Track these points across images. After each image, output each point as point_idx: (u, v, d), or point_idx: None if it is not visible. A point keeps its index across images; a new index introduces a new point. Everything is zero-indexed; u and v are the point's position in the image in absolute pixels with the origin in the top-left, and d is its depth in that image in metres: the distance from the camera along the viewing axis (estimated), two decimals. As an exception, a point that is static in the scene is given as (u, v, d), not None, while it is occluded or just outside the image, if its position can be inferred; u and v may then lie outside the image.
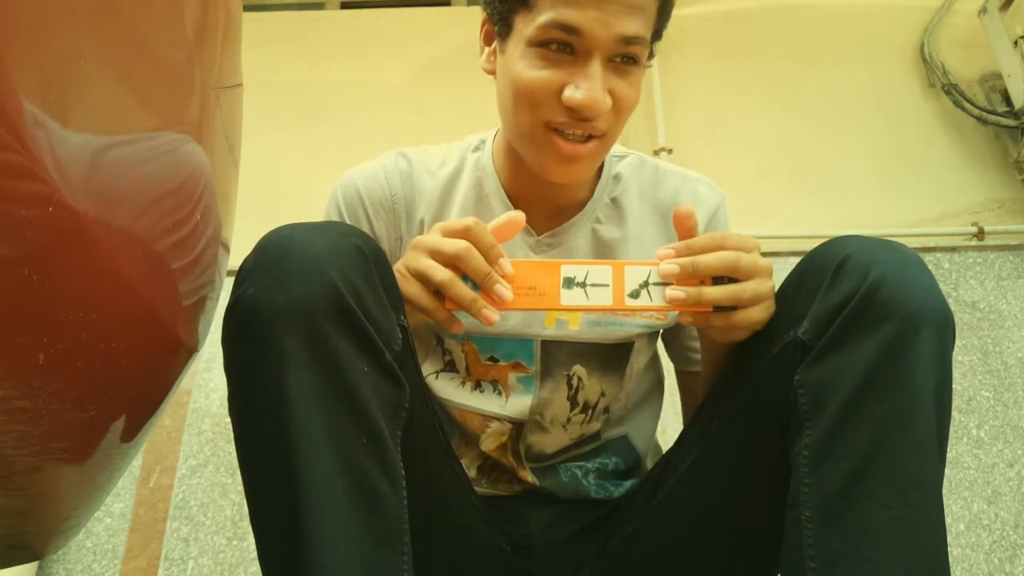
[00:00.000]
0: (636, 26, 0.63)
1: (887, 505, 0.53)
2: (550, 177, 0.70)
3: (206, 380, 1.78)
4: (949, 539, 1.55)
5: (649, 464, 0.89)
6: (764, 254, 0.63)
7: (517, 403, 0.81)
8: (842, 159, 2.15)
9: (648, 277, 0.61)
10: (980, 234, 1.98)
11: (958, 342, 1.78)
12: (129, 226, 0.48)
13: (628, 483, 0.86)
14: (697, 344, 0.86)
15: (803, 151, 2.17)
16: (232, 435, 0.57)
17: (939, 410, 0.56)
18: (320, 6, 2.59)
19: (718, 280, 0.61)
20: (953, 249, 1.94)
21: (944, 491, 0.55)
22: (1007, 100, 2.14)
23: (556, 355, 0.79)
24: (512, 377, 0.80)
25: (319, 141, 2.20)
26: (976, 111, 2.14)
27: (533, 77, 0.65)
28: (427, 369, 0.84)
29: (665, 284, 0.61)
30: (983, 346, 1.79)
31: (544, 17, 0.63)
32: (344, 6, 2.59)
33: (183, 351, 0.61)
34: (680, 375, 0.91)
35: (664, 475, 0.75)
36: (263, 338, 0.53)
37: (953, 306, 1.82)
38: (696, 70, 2.33)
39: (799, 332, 0.60)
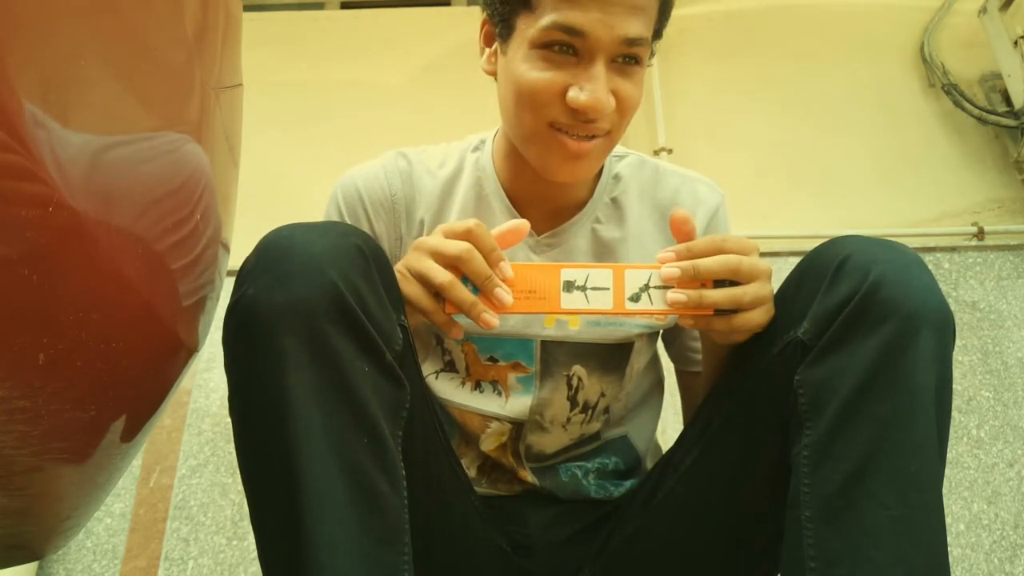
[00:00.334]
0: (638, 27, 0.63)
1: (887, 505, 0.53)
2: (555, 176, 0.69)
3: (206, 380, 1.78)
4: (949, 539, 1.55)
5: (649, 464, 0.89)
6: (764, 254, 0.64)
7: (517, 403, 0.81)
8: (842, 159, 2.15)
9: (648, 280, 0.61)
10: (980, 234, 1.98)
11: (958, 342, 1.78)
12: (129, 226, 0.48)
13: (628, 483, 0.86)
14: (697, 344, 0.86)
15: (803, 151, 2.17)
16: (232, 435, 0.57)
17: (939, 410, 0.56)
18: (320, 6, 2.59)
19: (719, 283, 0.61)
20: (953, 249, 1.94)
21: (944, 491, 0.55)
22: (1007, 100, 2.14)
23: (556, 355, 0.79)
24: (512, 377, 0.80)
25: (319, 141, 2.20)
26: (976, 111, 2.14)
27: (536, 79, 0.65)
28: (427, 369, 0.84)
29: (665, 287, 0.61)
30: (983, 346, 1.79)
31: (547, 19, 0.63)
32: (344, 6, 2.59)
33: (183, 351, 0.61)
34: (680, 375, 0.91)
35: (664, 475, 0.75)
36: (263, 338, 0.53)
37: (953, 306, 1.82)
38: (696, 70, 2.33)
39: (799, 332, 0.60)
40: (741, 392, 0.67)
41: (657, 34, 0.69)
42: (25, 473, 0.50)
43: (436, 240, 0.61)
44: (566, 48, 0.64)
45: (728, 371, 0.71)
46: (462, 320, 0.77)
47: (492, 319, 0.60)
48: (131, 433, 0.60)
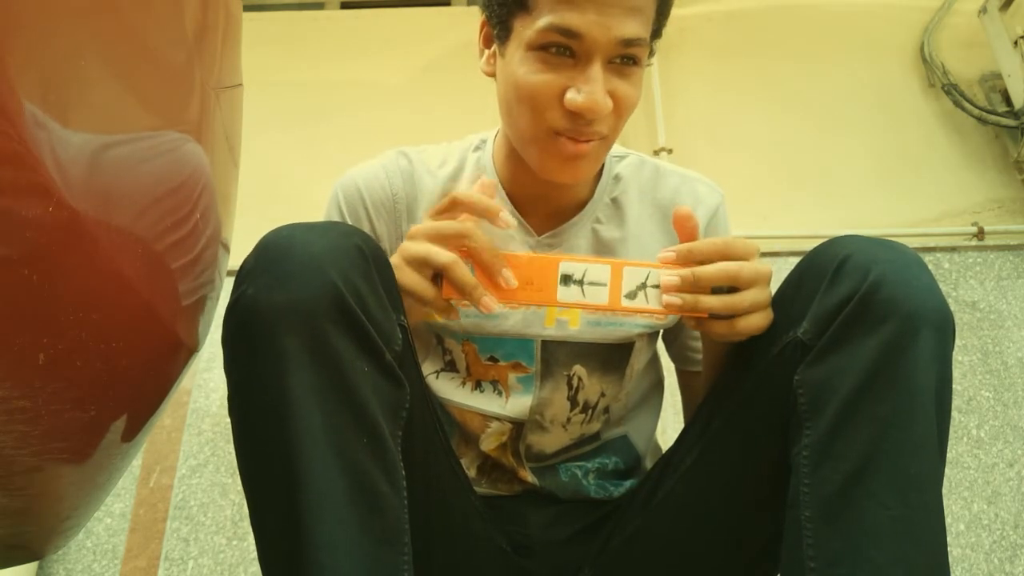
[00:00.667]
0: (635, 28, 0.63)
1: (887, 505, 0.53)
2: (553, 178, 0.69)
3: (206, 380, 1.78)
4: (949, 539, 1.55)
5: (649, 464, 0.89)
6: (764, 254, 0.64)
7: (517, 403, 0.81)
8: (842, 159, 2.15)
9: (646, 279, 0.61)
10: (980, 234, 1.98)
11: (958, 342, 1.78)
12: (129, 226, 0.49)
13: (628, 483, 0.86)
14: (697, 344, 0.87)
15: (803, 151, 2.17)
16: (232, 435, 0.57)
17: (939, 410, 0.56)
18: (320, 6, 2.59)
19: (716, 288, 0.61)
20: (953, 249, 1.94)
21: (944, 491, 0.55)
22: (1007, 100, 2.14)
23: (556, 355, 0.79)
24: (512, 377, 0.80)
25: (319, 141, 2.20)
26: (976, 111, 2.14)
27: (534, 81, 0.65)
28: (427, 369, 0.84)
29: (662, 285, 0.61)
30: (983, 346, 1.79)
31: (543, 21, 0.63)
32: (344, 6, 2.58)
33: (183, 351, 0.61)
34: (680, 375, 0.91)
35: (664, 475, 0.75)
36: (263, 338, 0.53)
37: (953, 306, 1.82)
38: (696, 70, 2.33)
39: (799, 332, 0.60)
40: (741, 392, 0.67)
41: (656, 34, 0.69)
42: (25, 473, 0.50)
43: (432, 223, 0.61)
44: (563, 50, 0.64)
45: (728, 371, 0.71)
46: (462, 321, 0.77)
47: (493, 303, 0.60)
48: (131, 433, 0.60)
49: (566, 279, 0.61)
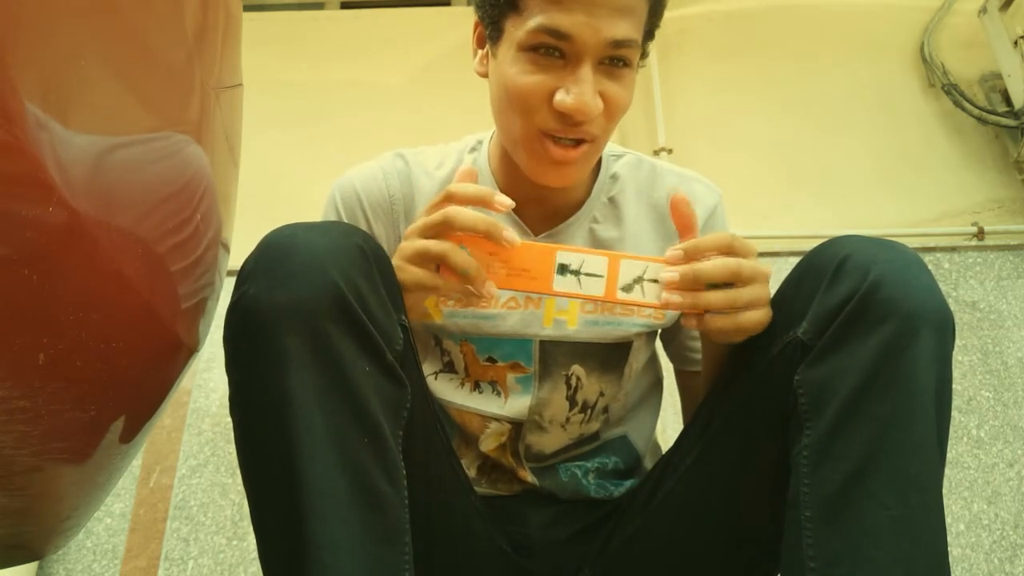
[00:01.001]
0: (626, 29, 0.63)
1: (887, 505, 0.53)
2: (543, 181, 0.70)
3: (206, 380, 1.78)
4: (949, 539, 1.54)
5: (649, 464, 0.89)
6: (763, 254, 0.64)
7: (516, 403, 0.81)
8: (842, 159, 2.15)
9: (643, 273, 0.61)
10: (980, 234, 1.98)
11: (958, 342, 1.77)
12: (129, 226, 0.49)
13: (628, 483, 0.86)
14: (696, 344, 0.87)
15: (803, 151, 2.17)
16: (232, 435, 0.57)
17: (939, 410, 0.56)
18: (320, 6, 2.59)
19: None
20: (953, 249, 1.94)
21: (944, 491, 0.55)
22: (1007, 100, 2.14)
23: (554, 355, 0.79)
24: (511, 378, 0.80)
25: (319, 141, 2.20)
26: (976, 111, 2.14)
27: (524, 82, 0.65)
28: (426, 370, 0.84)
29: (659, 280, 0.61)
30: (983, 346, 1.79)
31: (533, 22, 0.63)
32: (344, 6, 2.59)
33: (183, 351, 0.61)
34: (679, 375, 0.91)
35: (664, 475, 0.75)
36: (265, 338, 0.53)
37: (953, 306, 1.82)
38: (696, 70, 2.33)
39: (799, 332, 0.60)
40: (741, 392, 0.67)
41: (649, 35, 0.69)
42: (25, 473, 0.51)
43: (421, 220, 0.62)
44: (552, 51, 0.64)
45: (728, 371, 0.71)
46: (461, 321, 0.77)
47: (493, 289, 0.60)
48: (131, 433, 0.60)
49: (563, 268, 0.61)
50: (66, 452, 0.52)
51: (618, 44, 0.63)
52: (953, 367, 0.58)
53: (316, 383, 0.53)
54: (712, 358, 0.75)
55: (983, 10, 2.19)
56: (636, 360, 0.83)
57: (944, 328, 0.56)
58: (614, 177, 0.80)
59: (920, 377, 0.55)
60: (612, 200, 0.80)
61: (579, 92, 0.63)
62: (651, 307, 0.61)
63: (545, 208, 0.78)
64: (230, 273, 0.66)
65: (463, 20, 2.47)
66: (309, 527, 0.51)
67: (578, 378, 0.81)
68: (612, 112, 0.66)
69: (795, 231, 2.00)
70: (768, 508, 0.64)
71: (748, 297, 0.61)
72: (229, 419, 0.57)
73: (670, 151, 2.12)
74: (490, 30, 0.69)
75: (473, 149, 0.82)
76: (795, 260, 0.65)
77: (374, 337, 0.56)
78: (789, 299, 0.63)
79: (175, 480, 1.64)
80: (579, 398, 0.81)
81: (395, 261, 0.63)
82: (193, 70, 0.59)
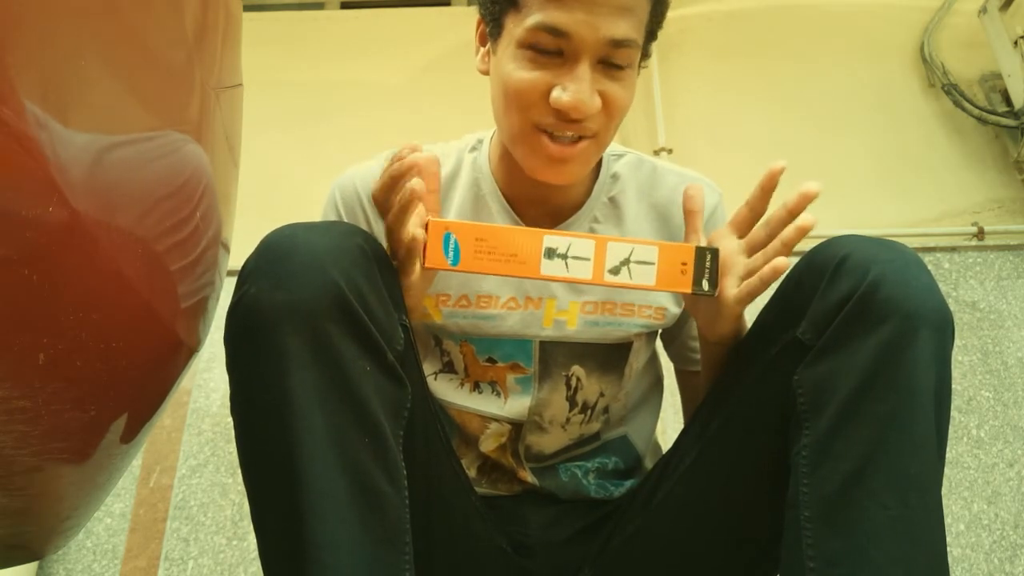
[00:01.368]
0: (625, 28, 0.63)
1: (886, 505, 0.53)
2: (540, 178, 0.70)
3: (206, 380, 1.78)
4: (949, 539, 1.55)
5: (649, 464, 0.89)
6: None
7: (516, 404, 0.81)
8: (842, 159, 2.15)
9: (630, 255, 0.61)
10: (980, 234, 1.98)
11: (958, 342, 1.78)
12: (129, 226, 0.49)
13: (628, 483, 0.86)
14: (697, 343, 0.87)
15: (803, 151, 2.17)
16: (233, 435, 0.57)
17: (938, 410, 0.56)
18: (320, 6, 2.59)
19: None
20: (953, 249, 1.94)
21: (944, 491, 0.55)
22: (1007, 100, 2.14)
23: (554, 356, 0.79)
24: (510, 378, 0.80)
25: (319, 141, 2.19)
26: (976, 111, 2.14)
27: (521, 78, 0.65)
28: (426, 370, 0.84)
29: (647, 263, 0.61)
30: (983, 346, 1.79)
31: (532, 19, 0.63)
32: (344, 6, 2.58)
33: (183, 351, 0.61)
34: (680, 375, 0.91)
35: (664, 475, 0.75)
36: (265, 338, 0.53)
37: (953, 306, 1.82)
38: (696, 70, 2.33)
39: (798, 332, 0.60)
40: (740, 392, 0.67)
41: (651, 35, 0.69)
42: (25, 473, 0.51)
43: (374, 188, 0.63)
44: (551, 48, 0.64)
45: (727, 371, 0.71)
46: (461, 322, 0.77)
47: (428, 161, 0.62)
48: (131, 433, 0.60)
49: (550, 252, 0.61)
50: (66, 452, 0.52)
51: (617, 44, 0.63)
52: (953, 367, 0.58)
53: (317, 383, 0.53)
54: (711, 357, 0.75)
55: (983, 10, 2.19)
56: (636, 360, 0.83)
57: (943, 328, 0.56)
58: (615, 177, 0.80)
59: (919, 377, 0.55)
60: (613, 200, 0.80)
61: (576, 90, 0.63)
62: (637, 288, 0.61)
63: (545, 207, 0.78)
64: (231, 273, 0.65)
65: (463, 20, 2.47)
66: (309, 527, 0.51)
67: (578, 378, 0.81)
68: (611, 112, 0.66)
69: (795, 231, 2.00)
70: (768, 508, 0.64)
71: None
72: (229, 419, 0.57)
73: (670, 151, 2.12)
74: (491, 27, 0.69)
75: (473, 148, 0.82)
76: (795, 260, 0.65)
77: (375, 337, 0.56)
78: (788, 299, 0.63)
79: (175, 480, 1.64)
80: (579, 398, 0.81)
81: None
82: (193, 70, 0.59)
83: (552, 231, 0.62)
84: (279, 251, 0.55)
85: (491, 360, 0.80)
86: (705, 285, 0.64)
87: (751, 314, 0.67)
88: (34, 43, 0.37)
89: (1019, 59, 2.03)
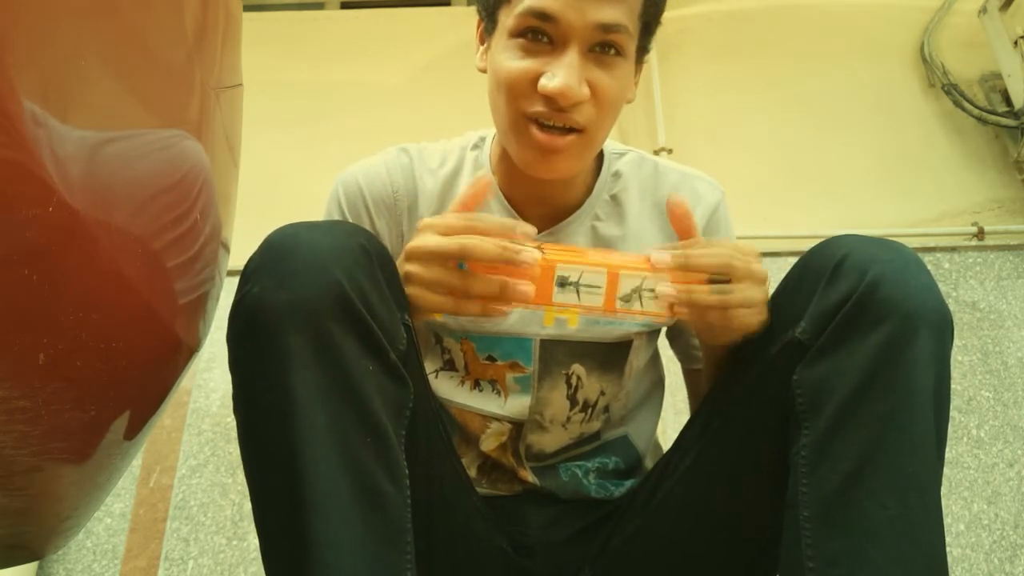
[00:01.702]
0: (615, 14, 0.63)
1: (886, 505, 0.53)
2: (532, 171, 0.69)
3: (206, 380, 1.78)
4: (949, 539, 1.55)
5: (649, 463, 0.89)
6: (764, 254, 0.63)
7: (516, 403, 0.81)
8: (842, 159, 2.15)
9: (641, 284, 0.61)
10: (980, 234, 1.98)
11: (958, 342, 1.78)
12: (129, 226, 0.49)
13: (628, 483, 0.86)
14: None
15: (803, 151, 2.17)
16: (233, 434, 0.57)
17: (938, 410, 0.56)
18: (320, 6, 2.59)
19: (715, 284, 0.61)
20: (953, 249, 1.94)
21: (944, 491, 0.55)
22: (1007, 100, 2.14)
23: (555, 354, 0.79)
24: (509, 377, 0.80)
25: (319, 141, 2.19)
26: (976, 111, 2.14)
27: (511, 67, 0.65)
28: (427, 368, 0.84)
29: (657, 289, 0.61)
30: (983, 346, 1.79)
31: (521, 6, 0.64)
32: (344, 6, 2.59)
33: (183, 351, 0.61)
34: (687, 373, 0.91)
35: (664, 475, 0.75)
36: (268, 337, 0.53)
37: (953, 306, 1.82)
38: (696, 70, 2.33)
39: (797, 332, 0.60)
40: (739, 392, 0.67)
41: (648, 28, 0.69)
42: (25, 473, 0.51)
43: (438, 220, 0.60)
44: (540, 36, 0.64)
45: (727, 371, 0.71)
46: (462, 319, 0.77)
47: (527, 287, 0.59)
48: (131, 433, 0.60)
49: (562, 282, 0.61)
50: (66, 452, 0.52)
51: (607, 28, 0.63)
52: (953, 367, 0.58)
53: (319, 382, 0.53)
54: (711, 358, 0.75)
55: (983, 10, 2.19)
56: (637, 359, 0.83)
57: (943, 328, 0.56)
58: (616, 175, 0.80)
59: (919, 377, 0.55)
60: (615, 198, 0.80)
61: (564, 76, 0.63)
62: (649, 315, 0.61)
63: (546, 206, 0.78)
64: (232, 273, 0.65)
65: (463, 20, 2.47)
66: (311, 526, 0.51)
67: (578, 377, 0.81)
68: (601, 102, 0.66)
69: (795, 231, 2.00)
70: (767, 508, 0.64)
71: (741, 296, 0.60)
72: (229, 419, 0.57)
73: (670, 151, 2.12)
74: (487, 23, 0.70)
75: (475, 146, 0.82)
76: (794, 260, 0.65)
77: (377, 336, 0.56)
78: (787, 299, 0.63)
79: (175, 480, 1.64)
80: (580, 397, 0.81)
81: (411, 268, 0.61)
82: (193, 70, 0.59)
83: (564, 261, 0.61)
84: (282, 250, 0.55)
85: (491, 358, 0.80)
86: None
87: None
88: (34, 43, 0.37)
89: (1019, 59, 2.03)
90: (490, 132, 0.82)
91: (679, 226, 0.64)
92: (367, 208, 0.78)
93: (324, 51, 2.40)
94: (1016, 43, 2.04)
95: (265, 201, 1.84)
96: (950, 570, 0.54)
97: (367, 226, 0.78)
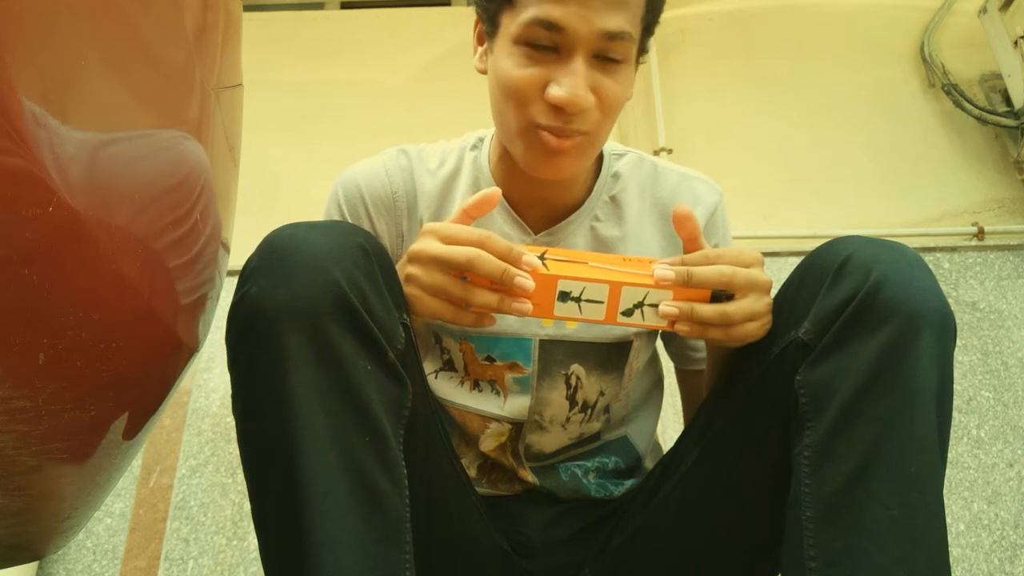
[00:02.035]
0: (619, 21, 0.63)
1: (888, 505, 0.53)
2: (537, 173, 0.69)
3: (206, 380, 1.78)
4: (949, 539, 1.54)
5: (649, 463, 0.89)
6: (764, 254, 0.63)
7: (515, 403, 0.81)
8: (842, 159, 2.15)
9: (644, 298, 0.61)
10: (980, 234, 1.98)
11: (958, 342, 1.77)
12: (129, 226, 0.48)
13: (628, 483, 0.86)
14: (696, 343, 0.87)
15: (803, 151, 2.17)
16: (233, 434, 0.57)
17: (940, 410, 0.56)
18: (320, 6, 2.59)
19: (716, 296, 0.61)
20: (953, 249, 1.94)
21: (944, 491, 0.55)
22: (1007, 100, 2.14)
23: (554, 354, 0.79)
24: (508, 378, 0.80)
25: (319, 141, 2.20)
26: (976, 111, 2.14)
27: (518, 76, 0.65)
28: (426, 368, 0.84)
29: (659, 305, 0.61)
30: (983, 346, 1.79)
31: (526, 14, 0.63)
32: (344, 6, 2.59)
33: (183, 351, 0.61)
34: (680, 374, 0.91)
35: (664, 475, 0.75)
36: (267, 337, 0.53)
37: (953, 306, 1.81)
38: (696, 70, 2.33)
39: (800, 332, 0.60)
40: (742, 392, 0.67)
41: (648, 30, 0.69)
42: (25, 473, 0.50)
43: (444, 228, 0.60)
44: (546, 44, 0.64)
45: (729, 371, 0.71)
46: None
47: (524, 306, 0.60)
48: (131, 433, 0.60)
49: (564, 296, 0.61)
50: (66, 452, 0.52)
51: (611, 36, 0.63)
52: (953, 367, 0.58)
53: (318, 382, 0.53)
54: (714, 358, 0.75)
55: (983, 10, 2.19)
56: (636, 360, 0.82)
57: (945, 329, 0.56)
58: (616, 175, 0.80)
59: (921, 377, 0.54)
60: (614, 199, 0.80)
61: (572, 85, 0.63)
62: (653, 329, 0.61)
63: (546, 207, 0.78)
64: (231, 273, 0.65)
65: (463, 20, 2.48)
66: (310, 526, 0.51)
67: (578, 377, 0.81)
68: (606, 107, 0.66)
69: (795, 231, 2.00)
70: (768, 508, 0.64)
71: (744, 312, 0.60)
72: (229, 419, 0.57)
73: (670, 151, 2.12)
74: (487, 25, 0.69)
75: (475, 147, 0.82)
76: (795, 260, 0.66)
77: (376, 336, 0.56)
78: (790, 300, 0.63)
79: (175, 480, 1.64)
80: (579, 398, 0.81)
81: (412, 270, 0.61)
82: (193, 70, 0.59)
83: (566, 276, 0.61)
84: (281, 250, 0.55)
85: (490, 359, 0.80)
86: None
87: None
88: (34, 43, 0.37)
89: (1019, 59, 2.03)
90: (489, 132, 0.82)
91: (684, 233, 0.64)
92: (366, 209, 0.78)
93: (324, 51, 2.40)
94: (1016, 43, 2.04)
95: (265, 201, 1.84)
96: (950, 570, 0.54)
97: (366, 227, 0.78)
